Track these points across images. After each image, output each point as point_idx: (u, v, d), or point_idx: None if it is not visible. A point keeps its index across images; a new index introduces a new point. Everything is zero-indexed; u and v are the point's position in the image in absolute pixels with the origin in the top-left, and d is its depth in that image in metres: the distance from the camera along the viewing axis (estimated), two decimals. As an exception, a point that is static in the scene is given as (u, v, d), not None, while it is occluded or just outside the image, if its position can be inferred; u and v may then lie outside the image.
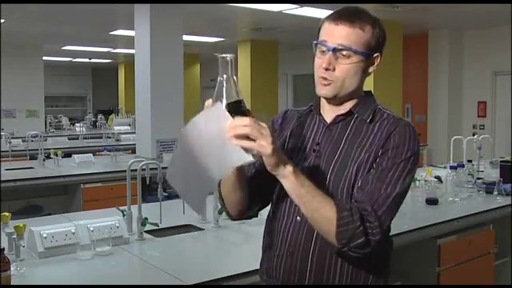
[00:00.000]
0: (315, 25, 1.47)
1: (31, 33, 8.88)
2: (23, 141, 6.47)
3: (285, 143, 1.49)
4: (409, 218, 2.93)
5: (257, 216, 1.59)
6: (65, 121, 10.51)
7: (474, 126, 8.78)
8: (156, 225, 2.66)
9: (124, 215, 2.63)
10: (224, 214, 2.49)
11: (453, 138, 4.57)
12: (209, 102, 1.21)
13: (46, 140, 6.78)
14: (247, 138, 1.16)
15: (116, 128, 9.67)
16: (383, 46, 1.44)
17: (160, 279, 2.03)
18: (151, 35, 5.51)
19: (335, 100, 1.43)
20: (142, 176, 2.67)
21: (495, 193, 3.47)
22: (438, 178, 3.77)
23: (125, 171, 2.77)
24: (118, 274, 2.12)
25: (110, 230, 2.37)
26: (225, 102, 1.18)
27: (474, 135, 5.57)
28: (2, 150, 5.39)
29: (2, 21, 7.32)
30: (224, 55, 1.21)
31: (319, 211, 1.26)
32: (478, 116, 8.80)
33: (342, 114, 1.44)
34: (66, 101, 15.86)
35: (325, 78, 1.38)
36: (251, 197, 1.45)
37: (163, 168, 3.08)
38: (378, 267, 1.42)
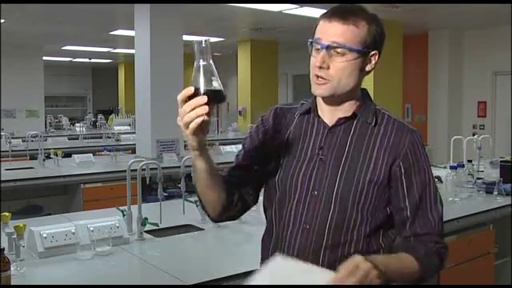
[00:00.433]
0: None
1: (31, 33, 8.89)
2: (23, 141, 6.48)
3: (282, 145, 1.44)
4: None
5: (238, 218, 1.53)
6: (65, 121, 10.50)
7: (474, 126, 8.78)
8: (156, 225, 2.66)
9: (124, 215, 2.63)
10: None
11: (453, 138, 4.56)
12: (190, 89, 1.16)
13: (46, 140, 6.78)
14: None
15: (116, 128, 9.67)
16: (381, 44, 1.40)
17: (160, 279, 2.03)
18: (151, 35, 5.51)
19: (332, 100, 1.40)
20: (142, 176, 2.67)
21: (495, 193, 3.47)
22: (438, 178, 3.76)
23: (125, 171, 2.77)
24: (118, 274, 2.12)
25: (110, 230, 2.37)
26: (202, 87, 1.16)
27: (474, 135, 5.56)
28: (2, 149, 5.40)
29: (2, 21, 7.32)
30: (199, 40, 1.19)
31: (409, 278, 1.34)
32: (478, 116, 8.80)
33: (344, 117, 1.41)
34: (66, 101, 15.87)
35: (320, 77, 1.35)
36: (228, 197, 1.41)
37: (163, 168, 3.10)
38: None
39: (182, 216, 2.91)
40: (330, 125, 1.42)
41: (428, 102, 9.11)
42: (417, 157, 1.39)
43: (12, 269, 1.91)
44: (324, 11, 1.40)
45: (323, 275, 1.16)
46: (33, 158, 5.61)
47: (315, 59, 1.36)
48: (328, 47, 1.33)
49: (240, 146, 1.55)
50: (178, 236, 2.71)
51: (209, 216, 1.49)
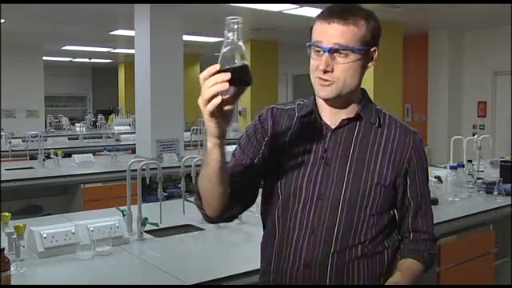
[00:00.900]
0: (315, 25, 1.45)
1: (31, 33, 8.88)
2: (23, 141, 6.47)
3: (284, 148, 1.42)
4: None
5: (233, 220, 1.48)
6: (65, 121, 10.51)
7: (474, 126, 8.78)
8: (156, 225, 2.66)
9: (124, 215, 2.63)
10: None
11: (453, 138, 4.56)
12: (215, 66, 1.12)
13: (46, 140, 6.78)
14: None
15: (116, 128, 9.67)
16: (379, 38, 1.41)
17: (160, 279, 2.03)
18: (151, 35, 5.51)
19: (336, 101, 1.38)
20: (142, 176, 2.67)
21: (495, 193, 3.47)
22: (438, 178, 3.77)
23: (125, 171, 2.77)
24: (118, 274, 2.12)
25: (110, 230, 2.37)
26: (227, 65, 1.11)
27: (474, 135, 5.57)
28: (2, 149, 5.40)
29: (2, 21, 7.32)
30: (231, 17, 1.14)
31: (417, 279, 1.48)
32: (478, 116, 8.80)
33: (348, 118, 1.40)
34: (66, 101, 15.87)
35: (324, 79, 1.33)
36: (232, 196, 1.36)
37: (163, 168, 3.09)
38: (390, 268, 1.44)
39: (182, 216, 2.91)
40: (332, 127, 1.40)
41: (428, 102, 9.11)
42: (420, 157, 1.44)
43: (12, 269, 1.91)
44: (325, 11, 1.38)
45: None
46: (33, 157, 5.61)
47: (316, 62, 1.34)
48: (330, 50, 1.31)
49: (239, 146, 1.53)
50: (178, 236, 2.71)
51: (206, 216, 1.41)
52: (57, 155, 5.30)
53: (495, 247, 3.25)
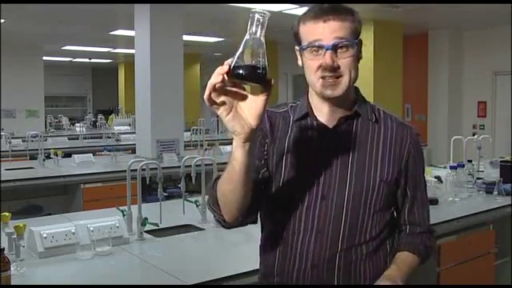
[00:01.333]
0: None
1: (31, 33, 8.89)
2: (23, 141, 6.47)
3: (283, 153, 1.40)
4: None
5: (255, 223, 1.44)
6: (65, 121, 10.52)
7: (474, 126, 8.78)
8: (156, 225, 2.66)
9: (124, 215, 2.63)
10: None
11: (453, 138, 4.56)
12: (228, 61, 1.12)
13: (46, 140, 6.78)
14: None
15: (116, 128, 9.67)
16: None
17: (160, 279, 2.03)
18: (151, 35, 5.51)
19: (339, 97, 1.36)
20: (142, 176, 2.67)
21: (495, 193, 3.47)
22: (438, 178, 3.77)
23: (125, 171, 2.77)
24: (118, 274, 2.12)
25: (110, 230, 2.37)
26: (243, 63, 1.09)
27: (474, 135, 5.57)
28: (2, 149, 5.40)
29: (2, 21, 7.32)
30: (254, 10, 1.11)
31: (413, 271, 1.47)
32: (478, 116, 8.80)
33: (345, 116, 1.40)
34: (66, 101, 15.88)
35: (330, 77, 1.32)
36: (253, 201, 1.32)
37: (163, 168, 3.10)
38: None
39: (182, 216, 2.91)
40: (330, 126, 1.40)
41: (428, 102, 9.11)
42: (417, 150, 1.48)
43: (12, 269, 1.91)
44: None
45: None
46: (33, 157, 5.61)
47: (315, 62, 1.33)
48: (333, 46, 1.31)
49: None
50: (178, 236, 2.71)
51: (223, 222, 1.37)
52: (57, 155, 5.30)
53: (495, 247, 3.25)
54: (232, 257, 2.37)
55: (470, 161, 3.95)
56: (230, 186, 1.27)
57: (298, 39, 1.38)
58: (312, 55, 1.34)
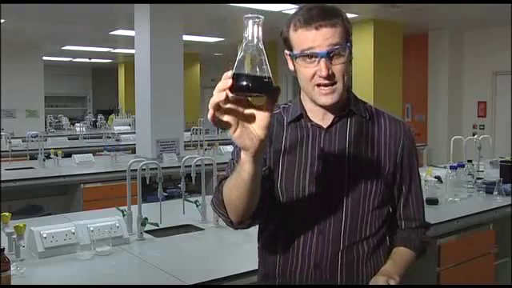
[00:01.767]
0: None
1: (31, 33, 8.89)
2: (23, 141, 6.48)
3: (279, 154, 1.40)
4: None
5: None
6: (65, 121, 10.53)
7: (474, 126, 8.78)
8: (156, 225, 2.66)
9: (124, 215, 2.63)
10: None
11: (453, 138, 4.57)
12: (227, 73, 1.02)
13: (46, 140, 6.78)
14: None
15: (116, 128, 9.68)
16: None
17: (160, 279, 2.03)
18: (151, 35, 5.51)
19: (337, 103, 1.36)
20: (142, 176, 2.67)
21: (495, 193, 3.46)
22: (438, 178, 3.77)
23: (125, 171, 2.77)
24: (118, 274, 2.12)
25: (110, 230, 2.37)
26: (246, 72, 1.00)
27: (474, 135, 5.56)
28: (2, 149, 5.40)
29: (2, 21, 7.32)
30: (250, 15, 1.03)
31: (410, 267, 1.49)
32: (478, 116, 8.80)
33: (339, 115, 1.40)
34: (65, 101, 15.87)
35: (326, 85, 1.32)
36: (260, 203, 1.29)
37: (163, 168, 3.09)
38: None
39: (182, 216, 2.91)
40: (324, 126, 1.41)
41: (428, 102, 9.11)
42: (411, 145, 1.48)
43: (12, 269, 1.91)
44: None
45: None
46: (33, 158, 5.61)
47: (310, 70, 1.32)
48: (328, 54, 1.30)
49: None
50: (178, 236, 2.71)
51: (231, 224, 1.36)
52: (57, 155, 5.30)
53: (495, 247, 3.25)
54: (232, 257, 2.37)
55: (469, 161, 3.95)
56: (239, 194, 1.23)
57: (288, 45, 1.37)
58: (305, 63, 1.33)
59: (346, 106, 1.41)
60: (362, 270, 1.40)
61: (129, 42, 7.55)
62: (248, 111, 1.05)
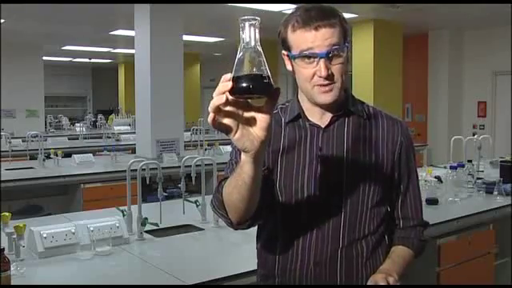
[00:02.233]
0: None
1: (31, 33, 8.89)
2: (23, 141, 6.48)
3: (278, 154, 1.40)
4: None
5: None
6: (65, 121, 10.52)
7: (474, 126, 8.78)
8: (156, 225, 2.66)
9: (124, 215, 2.63)
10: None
11: (453, 138, 4.57)
12: (226, 76, 1.02)
13: (46, 140, 6.78)
14: None
15: (116, 128, 9.68)
16: None
17: (160, 279, 2.03)
18: (151, 35, 5.51)
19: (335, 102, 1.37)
20: (142, 176, 2.67)
21: (495, 193, 3.47)
22: (438, 178, 3.77)
23: (125, 171, 2.77)
24: (118, 274, 2.12)
25: (110, 230, 2.37)
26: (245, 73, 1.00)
27: (474, 135, 5.57)
28: (2, 149, 5.40)
29: (2, 21, 7.32)
30: (248, 17, 1.02)
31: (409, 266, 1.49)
32: (478, 116, 8.80)
33: (337, 115, 1.41)
34: (65, 101, 15.88)
35: (325, 85, 1.32)
36: (260, 203, 1.29)
37: (163, 168, 3.09)
38: None
39: (182, 216, 2.91)
40: (322, 125, 1.41)
41: (428, 102, 9.11)
42: (409, 143, 1.49)
43: (12, 269, 1.91)
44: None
45: None
46: (33, 158, 5.62)
47: (310, 70, 1.32)
48: (328, 54, 1.30)
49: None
50: (178, 236, 2.71)
51: (231, 224, 1.35)
52: (57, 155, 5.31)
53: (495, 247, 3.26)
54: (232, 257, 2.37)
55: (469, 161, 3.96)
56: (239, 195, 1.23)
57: (286, 45, 1.37)
58: (304, 63, 1.33)
59: (344, 106, 1.42)
60: (362, 269, 1.41)
61: (129, 41, 7.55)
62: (248, 113, 1.05)
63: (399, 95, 8.31)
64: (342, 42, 1.32)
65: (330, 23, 1.31)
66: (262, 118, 1.06)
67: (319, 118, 1.42)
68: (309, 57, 1.32)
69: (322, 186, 1.38)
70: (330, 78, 1.32)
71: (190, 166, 2.83)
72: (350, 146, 1.40)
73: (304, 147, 1.41)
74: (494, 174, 4.07)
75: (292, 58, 1.36)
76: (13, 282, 1.88)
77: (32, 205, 4.68)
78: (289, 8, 6.49)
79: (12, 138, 6.44)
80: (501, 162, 4.11)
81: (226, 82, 1.01)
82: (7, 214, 2.55)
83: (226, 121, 1.04)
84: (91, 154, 5.60)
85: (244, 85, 0.99)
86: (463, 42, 8.90)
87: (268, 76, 1.01)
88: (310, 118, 1.42)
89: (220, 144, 6.40)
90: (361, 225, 1.40)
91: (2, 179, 4.29)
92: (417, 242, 1.51)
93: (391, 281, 1.32)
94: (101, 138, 8.15)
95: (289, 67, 1.40)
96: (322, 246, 1.38)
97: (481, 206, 3.28)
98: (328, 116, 1.41)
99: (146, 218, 2.56)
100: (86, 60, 13.55)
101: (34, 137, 5.69)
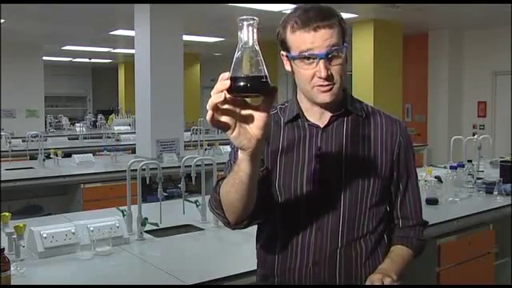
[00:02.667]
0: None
1: (31, 33, 8.89)
2: (23, 141, 6.48)
3: (277, 154, 1.41)
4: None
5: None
6: (65, 121, 10.53)
7: (474, 126, 8.79)
8: (156, 225, 2.66)
9: (124, 215, 2.63)
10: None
11: (453, 138, 4.57)
12: (224, 75, 1.03)
13: (45, 140, 6.78)
14: None
15: (116, 128, 9.68)
16: None
17: (160, 279, 2.03)
18: (151, 35, 5.51)
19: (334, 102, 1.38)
20: (142, 176, 2.67)
21: (495, 193, 3.47)
22: (438, 178, 3.77)
23: (125, 171, 2.77)
24: (118, 274, 2.12)
25: (110, 230, 2.37)
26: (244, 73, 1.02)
27: (474, 135, 5.57)
28: (2, 149, 5.40)
29: (2, 21, 7.32)
30: (246, 17, 1.03)
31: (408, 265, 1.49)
32: (478, 116, 8.80)
33: (336, 114, 1.41)
34: (66, 101, 15.88)
35: (324, 86, 1.33)
36: (258, 203, 1.29)
37: (163, 168, 3.09)
38: None
39: (182, 216, 2.91)
40: (321, 125, 1.42)
41: (428, 102, 9.11)
42: (408, 143, 1.49)
43: (12, 269, 1.91)
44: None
45: None
46: (33, 157, 5.62)
47: (309, 71, 1.33)
48: (327, 55, 1.31)
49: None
50: (178, 236, 2.71)
51: (228, 224, 1.36)
52: (57, 155, 5.31)
53: (495, 247, 3.26)
54: (232, 257, 2.37)
55: (469, 161, 3.96)
56: (237, 194, 1.23)
57: (285, 46, 1.37)
58: (304, 64, 1.34)
59: (343, 106, 1.42)
60: (361, 268, 1.41)
61: (129, 42, 7.55)
62: (245, 111, 1.07)
63: (399, 95, 8.31)
64: (340, 42, 1.33)
65: (329, 24, 1.31)
66: (259, 117, 1.07)
67: (318, 118, 1.42)
68: (308, 58, 1.32)
69: (321, 186, 1.38)
70: (329, 78, 1.32)
71: (190, 166, 2.83)
72: (348, 145, 1.40)
73: (303, 147, 1.41)
74: (494, 174, 4.07)
75: (291, 58, 1.36)
76: (13, 282, 1.88)
77: (32, 205, 4.68)
78: (289, 8, 6.49)
79: (12, 137, 6.44)
80: (501, 162, 4.11)
81: (224, 81, 1.02)
82: (7, 214, 2.55)
83: (224, 119, 1.06)
84: (91, 154, 5.60)
85: (242, 84, 1.01)
86: (463, 41, 8.90)
87: (265, 75, 1.03)
88: (308, 118, 1.43)
89: (220, 144, 6.40)
90: (360, 224, 1.40)
91: (2, 179, 4.29)
92: (416, 241, 1.51)
93: (387, 281, 1.32)
94: (101, 138, 8.15)
95: (288, 68, 1.41)
96: (322, 245, 1.38)
97: (481, 206, 3.28)
98: (327, 116, 1.42)
99: (146, 218, 2.56)
100: (86, 60, 13.55)
101: (34, 137, 5.69)
